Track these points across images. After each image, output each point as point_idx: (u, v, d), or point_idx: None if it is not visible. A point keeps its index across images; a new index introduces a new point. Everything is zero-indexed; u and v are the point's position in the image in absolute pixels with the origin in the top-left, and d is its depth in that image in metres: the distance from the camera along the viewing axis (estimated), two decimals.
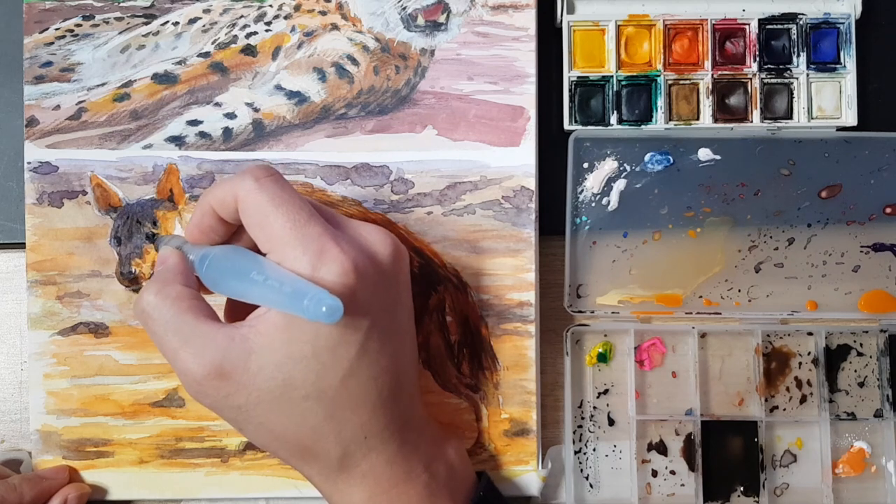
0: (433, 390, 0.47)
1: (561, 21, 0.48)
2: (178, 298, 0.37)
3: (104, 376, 0.47)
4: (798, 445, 0.48)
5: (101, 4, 0.48)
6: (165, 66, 0.48)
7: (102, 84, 0.48)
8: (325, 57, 0.48)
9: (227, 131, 0.48)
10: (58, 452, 0.47)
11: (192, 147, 0.48)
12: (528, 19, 0.48)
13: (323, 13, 0.48)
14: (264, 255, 0.37)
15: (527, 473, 0.47)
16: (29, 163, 0.47)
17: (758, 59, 0.48)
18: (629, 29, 0.49)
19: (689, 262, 0.48)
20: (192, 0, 0.48)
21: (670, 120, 0.48)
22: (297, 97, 0.48)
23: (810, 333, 0.49)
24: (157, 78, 0.48)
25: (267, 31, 0.48)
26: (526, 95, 0.47)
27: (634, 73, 0.48)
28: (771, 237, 0.48)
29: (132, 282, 0.47)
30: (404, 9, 0.48)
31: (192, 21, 0.48)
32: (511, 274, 0.47)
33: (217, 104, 0.48)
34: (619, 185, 0.48)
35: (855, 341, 0.49)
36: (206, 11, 0.48)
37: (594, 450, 0.48)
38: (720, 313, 0.48)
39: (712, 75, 0.48)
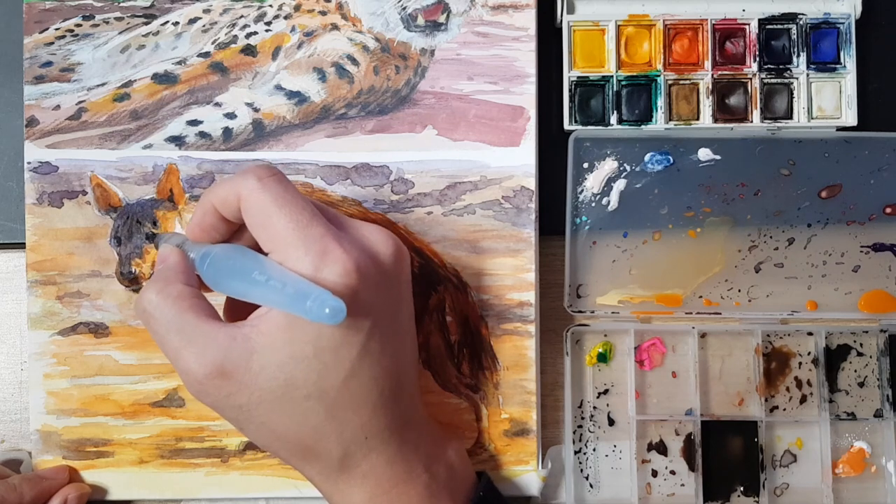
0: (433, 390, 0.47)
1: (561, 21, 0.48)
2: (179, 297, 0.37)
3: (104, 376, 0.47)
4: (798, 445, 0.48)
5: (101, 4, 0.48)
6: (165, 66, 0.48)
7: (102, 84, 0.48)
8: (325, 57, 0.48)
9: (227, 131, 0.48)
10: (58, 452, 0.47)
11: (192, 147, 0.48)
12: (528, 19, 0.48)
13: (323, 13, 0.48)
14: (266, 254, 0.37)
15: (527, 473, 0.47)
16: (29, 163, 0.47)
17: (758, 59, 0.48)
18: (629, 29, 0.49)
19: (689, 262, 0.48)
20: (192, 0, 0.48)
21: (670, 120, 0.48)
22: (297, 97, 0.48)
23: (810, 333, 0.49)
24: (157, 78, 0.48)
25: (267, 31, 0.48)
26: (526, 95, 0.47)
27: (634, 73, 0.48)
28: (771, 237, 0.48)
29: (132, 282, 0.47)
30: (404, 9, 0.48)
31: (192, 21, 0.48)
32: (511, 274, 0.47)
33: (217, 104, 0.48)
34: (619, 185, 0.48)
35: (855, 341, 0.49)
36: (206, 11, 0.48)
37: (594, 450, 0.48)
38: (720, 313, 0.48)
39: (712, 75, 0.48)
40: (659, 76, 0.48)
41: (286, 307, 0.35)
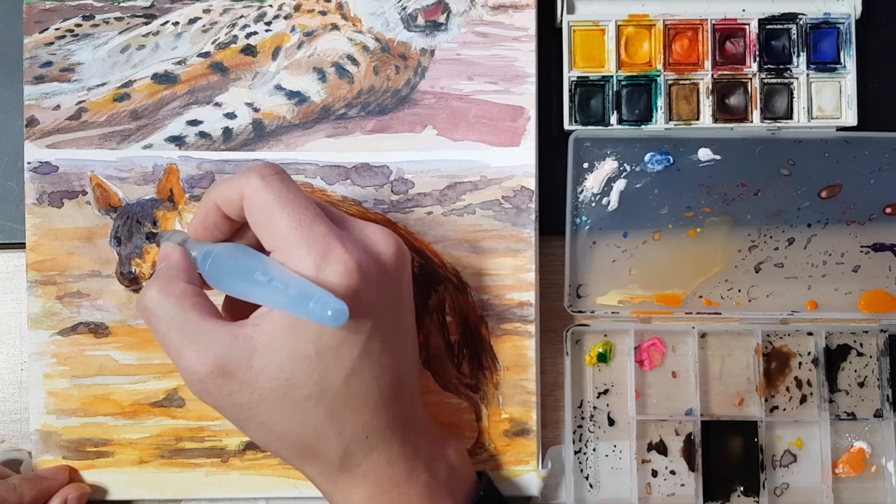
0: (433, 390, 0.47)
1: (561, 21, 0.48)
2: (181, 296, 0.37)
3: (104, 376, 0.47)
4: (798, 445, 0.48)
5: (101, 4, 0.48)
6: (165, 66, 0.48)
7: (102, 84, 0.48)
8: (325, 57, 0.48)
9: (227, 131, 0.48)
10: (58, 452, 0.47)
11: (192, 147, 0.48)
12: (528, 19, 0.48)
13: (323, 13, 0.48)
14: (268, 253, 0.37)
15: (527, 473, 0.47)
16: (29, 163, 0.47)
17: (758, 59, 0.48)
18: (629, 29, 0.49)
19: (689, 262, 0.48)
20: (192, 0, 0.48)
21: (670, 120, 0.48)
22: (297, 97, 0.48)
23: (810, 333, 0.49)
24: (157, 78, 0.48)
25: (267, 31, 0.48)
26: (526, 95, 0.47)
27: (634, 73, 0.48)
28: (771, 237, 0.48)
29: (132, 282, 0.47)
30: (404, 9, 0.48)
31: (192, 21, 0.48)
32: (511, 274, 0.47)
33: (217, 104, 0.48)
34: (619, 185, 0.48)
35: (855, 341, 0.49)
36: (206, 11, 0.48)
37: (594, 450, 0.48)
38: (720, 313, 0.48)
39: (712, 75, 0.48)
40: (659, 76, 0.48)
41: (288, 308, 0.35)
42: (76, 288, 0.47)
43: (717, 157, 0.48)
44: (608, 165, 0.48)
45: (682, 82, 0.48)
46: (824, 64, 0.48)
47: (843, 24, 0.48)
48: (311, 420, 0.37)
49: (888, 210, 0.48)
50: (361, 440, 0.38)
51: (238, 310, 0.39)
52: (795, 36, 0.48)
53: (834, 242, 0.48)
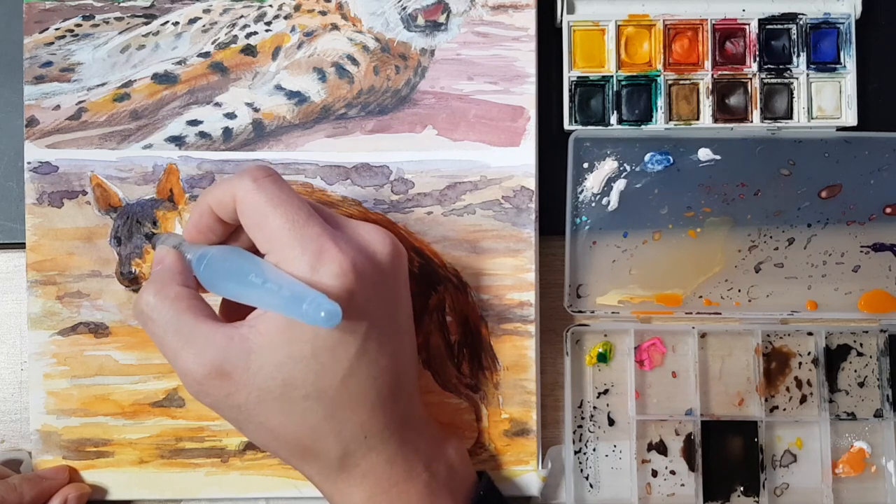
0: (433, 390, 0.47)
1: (561, 21, 0.48)
2: (176, 299, 0.37)
3: (104, 376, 0.47)
4: (798, 445, 0.48)
5: (101, 4, 0.48)
6: (165, 66, 0.48)
7: (102, 84, 0.48)
8: (325, 57, 0.48)
9: (227, 131, 0.48)
10: (58, 452, 0.47)
11: (192, 147, 0.48)
12: (528, 19, 0.48)
13: (323, 13, 0.48)
14: (262, 255, 0.37)
15: (527, 473, 0.47)
16: (29, 163, 0.47)
17: (758, 59, 0.48)
18: (629, 29, 0.49)
19: (689, 262, 0.48)
20: (192, 0, 0.48)
21: (670, 120, 0.48)
22: (297, 97, 0.48)
23: (810, 333, 0.49)
24: (157, 78, 0.48)
25: (267, 31, 0.48)
26: (526, 95, 0.47)
27: (634, 73, 0.48)
28: (771, 237, 0.48)
29: (132, 282, 0.47)
30: (404, 9, 0.48)
31: (192, 21, 0.48)
32: (511, 274, 0.47)
33: (217, 104, 0.48)
34: (619, 185, 0.48)
35: (855, 341, 0.49)
36: (206, 11, 0.48)
37: (594, 450, 0.48)
38: (720, 313, 0.48)
39: (712, 75, 0.48)
40: (659, 76, 0.48)
41: (282, 310, 0.35)
42: (76, 288, 0.47)
43: (717, 157, 0.48)
44: (608, 165, 0.48)
45: (682, 82, 0.48)
46: (824, 64, 0.48)
47: (843, 24, 0.48)
48: (309, 420, 0.37)
49: (888, 210, 0.48)
50: (360, 440, 0.38)
51: (235, 312, 0.39)
52: (795, 36, 0.48)
53: (834, 242, 0.48)
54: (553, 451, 0.48)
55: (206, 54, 0.48)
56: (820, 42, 0.49)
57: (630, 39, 0.49)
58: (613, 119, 0.48)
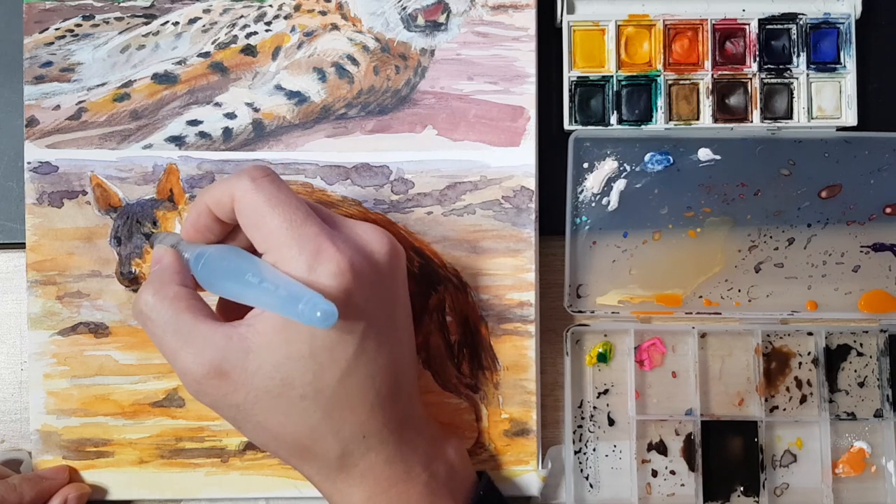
0: (433, 390, 0.47)
1: (561, 21, 0.48)
2: (175, 298, 0.37)
3: (104, 376, 0.47)
4: (798, 445, 0.48)
5: (101, 4, 0.48)
6: (165, 66, 0.48)
7: (102, 84, 0.48)
8: (325, 57, 0.48)
9: (227, 131, 0.48)
10: (58, 452, 0.47)
11: (192, 147, 0.48)
12: (528, 19, 0.48)
13: (323, 13, 0.48)
14: (260, 255, 0.37)
15: (527, 473, 0.47)
16: (29, 163, 0.47)
17: (758, 59, 0.48)
18: (629, 29, 0.49)
19: (689, 262, 0.48)
20: (192, 0, 0.48)
21: (670, 120, 0.48)
22: (297, 97, 0.48)
23: (810, 333, 0.49)
24: (157, 78, 0.48)
25: (267, 31, 0.48)
26: (526, 95, 0.47)
27: (634, 73, 0.48)
28: (771, 237, 0.48)
29: (132, 282, 0.47)
30: (404, 9, 0.48)
31: (192, 21, 0.48)
32: (511, 274, 0.47)
33: (217, 104, 0.48)
34: (619, 185, 0.48)
35: (855, 341, 0.49)
36: (206, 11, 0.48)
37: (594, 450, 0.48)
38: (720, 313, 0.48)
39: (712, 75, 0.48)
40: (659, 76, 0.48)
41: (279, 310, 0.35)
42: (76, 288, 0.47)
43: (717, 157, 0.48)
44: (608, 165, 0.48)
45: (682, 82, 0.48)
46: (824, 64, 0.48)
47: (843, 24, 0.48)
48: (308, 420, 0.37)
49: (888, 210, 0.48)
50: (359, 440, 0.38)
51: (233, 311, 0.39)
52: (795, 36, 0.48)
53: (834, 242, 0.48)
54: (553, 451, 0.48)
55: (206, 54, 0.48)
56: (820, 42, 0.49)
57: (630, 39, 0.49)
58: (613, 119, 0.48)
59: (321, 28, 0.48)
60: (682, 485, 0.48)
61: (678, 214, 0.48)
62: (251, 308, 0.37)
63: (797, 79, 0.48)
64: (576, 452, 0.48)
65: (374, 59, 0.48)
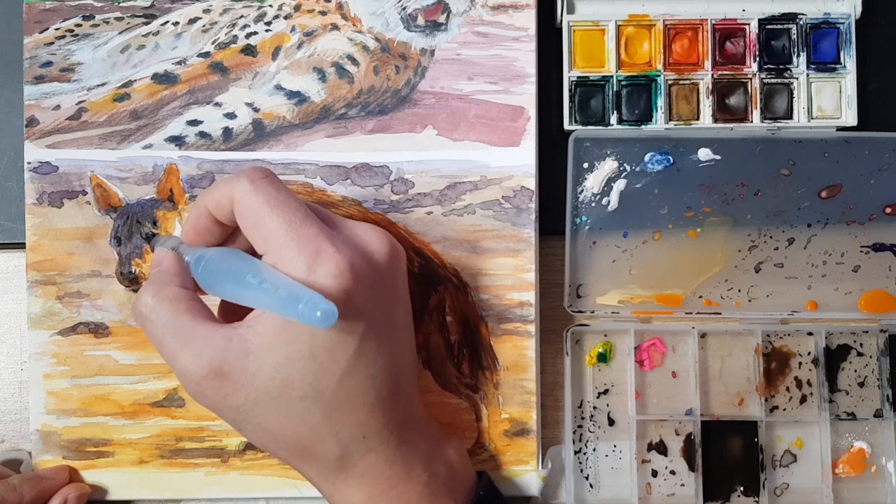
0: (433, 390, 0.47)
1: (561, 21, 0.48)
2: (175, 300, 0.37)
3: (104, 376, 0.47)
4: (798, 445, 0.48)
5: (101, 4, 0.48)
6: (165, 66, 0.48)
7: (102, 84, 0.48)
8: (325, 57, 0.48)
9: (227, 131, 0.48)
10: (58, 452, 0.47)
11: (192, 147, 0.48)
12: (528, 19, 0.48)
13: (323, 13, 0.48)
14: (260, 257, 0.37)
15: (527, 473, 0.47)
16: (29, 163, 0.47)
17: (758, 59, 0.48)
18: (629, 29, 0.49)
19: (689, 262, 0.48)
20: (192, 0, 0.48)
21: (670, 120, 0.48)
22: (297, 97, 0.48)
23: (810, 333, 0.49)
24: (157, 78, 0.48)
25: (267, 31, 0.48)
26: (526, 95, 0.47)
27: (634, 73, 0.48)
28: (771, 237, 0.48)
29: (132, 282, 0.47)
30: (404, 9, 0.48)
31: (192, 21, 0.48)
32: (511, 274, 0.47)
33: (217, 104, 0.48)
34: (619, 185, 0.48)
35: (855, 341, 0.49)
36: (206, 11, 0.48)
37: (594, 450, 0.48)
38: (720, 313, 0.48)
39: (712, 75, 0.48)
40: (659, 76, 0.48)
41: (278, 310, 0.35)
42: (76, 288, 0.47)
43: (717, 157, 0.48)
44: (608, 165, 0.48)
45: (682, 82, 0.48)
46: (824, 64, 0.48)
47: (843, 24, 0.48)
48: (308, 420, 0.37)
49: (888, 210, 0.48)
50: (358, 440, 0.38)
51: (234, 313, 0.39)
52: (795, 36, 0.48)
53: (834, 242, 0.48)
54: (553, 451, 0.48)
55: (206, 54, 0.48)
56: (820, 42, 0.49)
57: (630, 39, 0.49)
58: (613, 119, 0.48)
59: (321, 28, 0.48)
60: (682, 485, 0.48)
61: (678, 214, 0.48)
62: (252, 311, 0.37)
63: (797, 79, 0.48)
64: (576, 452, 0.48)
65: (374, 59, 0.48)
